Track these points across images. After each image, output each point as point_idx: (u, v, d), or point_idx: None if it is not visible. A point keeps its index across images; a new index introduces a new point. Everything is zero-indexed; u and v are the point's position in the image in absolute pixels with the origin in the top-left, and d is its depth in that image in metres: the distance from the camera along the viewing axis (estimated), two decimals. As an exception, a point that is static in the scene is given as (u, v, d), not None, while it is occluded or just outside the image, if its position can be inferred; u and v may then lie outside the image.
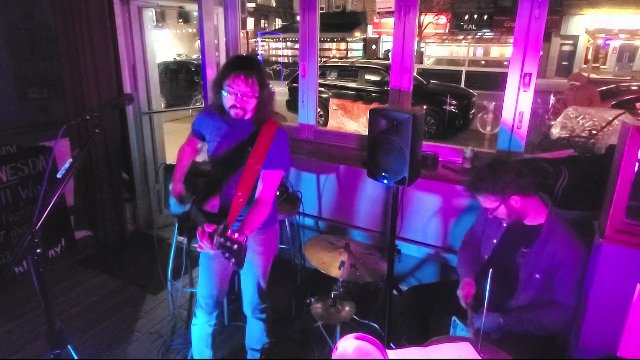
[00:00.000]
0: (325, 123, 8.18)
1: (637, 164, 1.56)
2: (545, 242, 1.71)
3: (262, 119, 1.74)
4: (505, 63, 12.53)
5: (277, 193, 2.71)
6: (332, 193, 3.11)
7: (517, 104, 2.39)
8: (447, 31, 20.35)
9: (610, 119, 2.23)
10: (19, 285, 2.97)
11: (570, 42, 18.41)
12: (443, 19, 20.25)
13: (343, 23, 23.12)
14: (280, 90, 12.45)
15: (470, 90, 9.54)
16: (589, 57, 17.56)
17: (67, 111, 3.41)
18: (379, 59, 17.43)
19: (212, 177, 1.83)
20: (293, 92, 9.83)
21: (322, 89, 8.85)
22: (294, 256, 2.88)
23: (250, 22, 22.41)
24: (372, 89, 9.08)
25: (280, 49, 23.44)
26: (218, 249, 1.45)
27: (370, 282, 2.32)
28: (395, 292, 2.33)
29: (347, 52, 23.55)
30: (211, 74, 3.31)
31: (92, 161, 3.41)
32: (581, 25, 17.61)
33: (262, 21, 27.70)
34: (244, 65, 1.65)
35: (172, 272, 2.70)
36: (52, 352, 1.33)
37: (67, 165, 1.40)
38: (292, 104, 9.90)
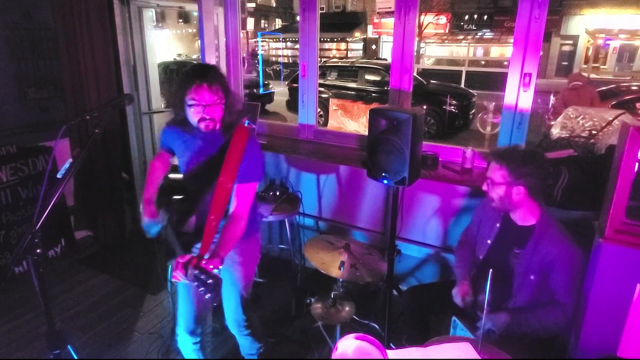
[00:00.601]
0: (325, 123, 8.17)
1: (637, 164, 1.57)
2: (538, 243, 1.72)
3: (232, 126, 1.64)
4: (505, 63, 12.52)
5: (277, 193, 2.73)
6: (332, 193, 3.11)
7: (517, 104, 2.39)
8: (447, 31, 20.34)
9: (610, 119, 2.22)
10: (19, 285, 2.97)
11: (570, 42, 18.41)
12: (443, 19, 20.24)
13: (343, 23, 23.11)
14: (280, 90, 12.48)
15: (470, 90, 9.54)
16: (589, 57, 17.56)
17: (67, 111, 3.41)
18: (379, 59, 17.42)
19: (187, 195, 1.73)
20: (293, 92, 9.83)
21: (322, 89, 8.84)
22: (294, 256, 2.88)
23: (250, 22, 22.40)
24: (372, 89, 9.08)
25: (280, 49, 23.42)
26: (192, 282, 1.36)
27: (370, 282, 2.32)
28: (395, 292, 2.33)
29: (347, 52, 23.54)
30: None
31: (92, 161, 3.41)
32: (581, 25, 17.60)
33: (262, 21, 27.70)
34: (205, 74, 1.55)
35: (172, 272, 2.69)
36: (52, 352, 1.32)
37: (67, 165, 1.40)
38: (292, 104, 9.90)
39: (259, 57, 15.80)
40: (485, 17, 19.89)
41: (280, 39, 23.10)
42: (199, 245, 1.66)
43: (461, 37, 19.49)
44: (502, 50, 18.95)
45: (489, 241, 1.91)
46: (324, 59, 16.36)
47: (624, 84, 9.02)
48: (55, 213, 2.04)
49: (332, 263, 2.02)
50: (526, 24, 2.26)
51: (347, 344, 1.34)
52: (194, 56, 17.31)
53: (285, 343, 2.51)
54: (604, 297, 1.69)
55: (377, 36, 23.04)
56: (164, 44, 20.40)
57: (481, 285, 1.76)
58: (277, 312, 2.77)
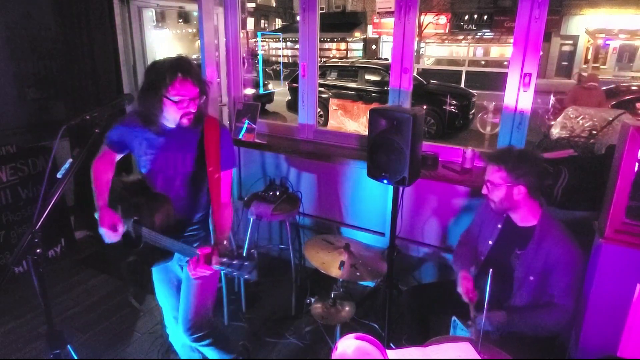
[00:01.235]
0: (325, 123, 8.17)
1: (637, 164, 1.57)
2: (539, 244, 1.72)
3: (201, 117, 1.62)
4: (505, 63, 12.52)
5: (277, 193, 2.73)
6: (332, 193, 3.11)
7: (517, 104, 2.39)
8: (447, 31, 20.34)
9: (610, 119, 2.23)
10: (19, 285, 2.96)
11: (570, 42, 18.40)
12: (443, 19, 20.24)
13: (343, 23, 23.10)
14: (280, 90, 12.47)
15: (470, 90, 9.54)
16: (589, 57, 17.56)
17: (67, 111, 3.41)
18: (380, 59, 17.43)
19: (154, 194, 1.66)
20: (293, 92, 9.82)
21: (322, 89, 8.84)
22: (294, 256, 2.88)
23: (250, 22, 22.38)
24: (372, 89, 9.08)
25: (280, 49, 23.41)
26: (225, 270, 1.34)
27: (370, 282, 2.32)
28: (395, 292, 2.33)
29: (347, 52, 23.54)
30: (211, 73, 3.31)
31: (92, 161, 3.40)
32: (581, 25, 17.60)
33: (262, 21, 27.70)
34: (184, 67, 1.50)
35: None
36: (52, 352, 1.32)
37: (67, 165, 1.40)
38: (293, 104, 9.90)
39: (259, 57, 15.80)
40: (485, 17, 19.89)
41: (280, 39, 23.10)
42: (186, 234, 1.67)
43: (461, 37, 19.49)
44: (502, 50, 18.95)
45: (490, 242, 1.91)
46: (324, 59, 16.35)
47: (624, 84, 9.02)
48: (55, 213, 2.03)
49: (332, 263, 2.02)
50: (526, 24, 2.26)
51: (347, 344, 1.34)
52: (194, 56, 17.27)
53: (285, 343, 2.51)
54: (604, 297, 1.69)
55: (377, 36, 23.04)
56: (164, 44, 20.39)
57: (482, 285, 1.76)
58: (277, 312, 2.77)
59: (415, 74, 7.82)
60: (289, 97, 10.26)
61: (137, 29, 3.50)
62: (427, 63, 18.80)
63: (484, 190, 1.81)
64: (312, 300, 2.16)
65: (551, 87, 10.89)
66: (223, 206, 1.62)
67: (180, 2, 3.97)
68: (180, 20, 23.52)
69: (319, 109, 3.42)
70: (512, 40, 2.39)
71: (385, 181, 2.05)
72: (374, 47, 23.46)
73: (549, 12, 2.23)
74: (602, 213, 1.74)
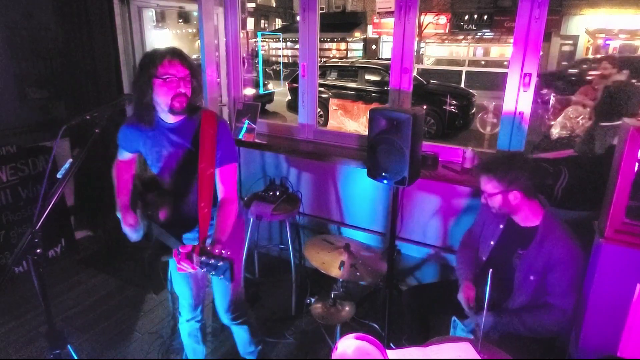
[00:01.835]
0: (325, 123, 8.18)
1: (637, 164, 1.57)
2: (541, 244, 1.71)
3: (197, 108, 1.63)
4: (505, 63, 12.52)
5: (277, 193, 2.73)
6: (332, 193, 3.11)
7: (517, 104, 2.39)
8: (447, 31, 20.33)
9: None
10: (19, 285, 2.97)
11: (570, 42, 18.39)
12: (443, 19, 20.23)
13: (343, 23, 23.09)
14: (280, 90, 12.47)
15: (470, 90, 9.54)
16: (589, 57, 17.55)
17: (67, 111, 3.41)
18: (381, 59, 17.43)
19: (162, 190, 1.71)
20: (293, 92, 9.82)
21: (322, 89, 8.84)
22: (294, 256, 2.88)
23: (250, 22, 22.36)
24: (372, 89, 9.07)
25: (280, 49, 23.41)
26: (201, 269, 1.36)
27: (370, 282, 2.32)
28: (395, 292, 2.33)
29: (347, 52, 23.54)
30: (211, 73, 3.31)
31: (92, 161, 3.41)
32: (581, 25, 17.59)
33: (262, 21, 27.69)
34: (173, 50, 1.56)
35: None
36: (52, 352, 1.32)
37: (67, 165, 1.40)
38: (293, 104, 9.90)
39: (259, 57, 15.79)
40: (485, 17, 19.88)
41: (280, 39, 23.09)
42: (188, 235, 1.70)
43: (461, 37, 19.48)
44: (502, 50, 18.94)
45: (492, 242, 1.91)
46: (324, 59, 16.35)
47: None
48: (55, 213, 2.04)
49: (332, 263, 2.02)
50: (526, 24, 2.26)
51: (347, 344, 1.34)
52: (194, 56, 17.22)
53: (285, 343, 2.51)
54: (604, 297, 1.69)
55: (377, 36, 23.04)
56: (164, 44, 20.35)
57: (483, 287, 1.76)
58: (277, 312, 2.77)
59: (415, 74, 7.81)
60: (289, 97, 10.26)
61: (137, 29, 3.50)
62: (427, 63, 18.79)
63: (483, 200, 1.82)
64: (312, 300, 2.16)
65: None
66: (227, 202, 1.62)
67: (180, 2, 3.97)
68: (180, 20, 23.51)
69: (319, 109, 3.42)
70: (512, 40, 2.39)
71: (385, 181, 2.05)
72: (374, 47, 23.46)
73: (549, 12, 2.23)
74: (602, 213, 1.74)
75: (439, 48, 20.45)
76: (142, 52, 3.57)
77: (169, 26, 22.90)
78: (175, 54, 1.53)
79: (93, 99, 3.29)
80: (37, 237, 1.19)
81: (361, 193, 2.99)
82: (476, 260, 1.98)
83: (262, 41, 22.99)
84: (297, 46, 4.17)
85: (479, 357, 1.37)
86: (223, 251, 1.39)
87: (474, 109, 9.03)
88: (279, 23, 28.40)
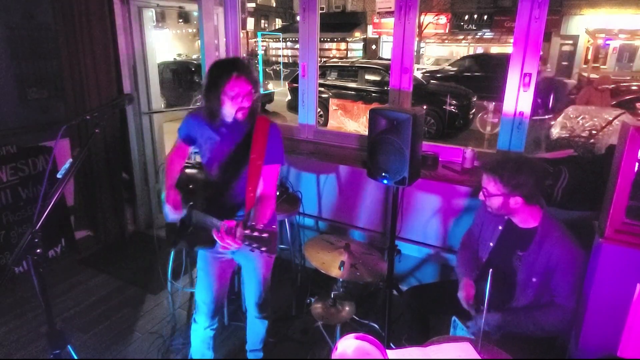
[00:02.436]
0: (325, 123, 8.18)
1: (637, 164, 1.56)
2: (540, 245, 1.71)
3: (254, 112, 1.77)
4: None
5: (278, 193, 2.73)
6: (332, 193, 3.11)
7: (517, 104, 2.39)
8: (447, 31, 20.34)
9: (610, 119, 2.23)
10: (19, 285, 2.97)
11: (570, 42, 18.39)
12: (443, 19, 20.23)
13: (343, 23, 23.10)
14: (280, 90, 12.47)
15: (470, 90, 9.53)
16: (589, 57, 17.54)
17: (67, 111, 3.41)
18: (382, 58, 17.45)
19: (209, 183, 1.83)
20: (293, 92, 9.82)
21: (322, 89, 8.84)
22: (294, 256, 2.88)
23: (250, 22, 22.39)
24: (372, 89, 9.07)
25: (280, 49, 23.41)
26: (245, 242, 1.44)
27: (370, 282, 2.32)
28: (395, 292, 2.33)
29: (347, 52, 23.54)
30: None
31: (92, 161, 3.41)
32: (581, 25, 17.59)
33: (262, 21, 27.70)
34: (239, 66, 1.69)
35: (171, 272, 2.70)
36: (52, 352, 1.33)
37: (67, 165, 1.40)
38: (293, 104, 9.90)
39: (259, 57, 15.79)
40: (485, 17, 19.88)
41: (280, 39, 23.10)
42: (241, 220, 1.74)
43: (461, 37, 19.49)
44: (502, 50, 18.94)
45: (491, 243, 1.91)
46: (324, 59, 16.35)
47: (624, 84, 9.01)
48: (55, 213, 2.05)
49: (332, 263, 2.02)
50: (526, 24, 2.26)
51: (347, 344, 1.34)
52: (194, 56, 17.27)
53: (285, 343, 2.51)
54: (604, 297, 1.69)
55: (377, 36, 23.04)
56: (164, 44, 20.39)
57: (483, 287, 1.77)
58: (277, 312, 2.77)
59: (415, 74, 7.81)
60: (289, 97, 10.26)
61: (137, 29, 3.50)
62: (426, 63, 18.80)
63: (481, 196, 1.80)
64: (312, 300, 2.16)
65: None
66: (266, 197, 1.76)
67: (180, 2, 3.97)
68: (180, 20, 23.52)
69: (319, 109, 3.42)
70: (512, 40, 2.39)
71: (385, 181, 2.05)
72: (374, 47, 23.46)
73: (549, 12, 2.23)
74: (602, 213, 1.74)
75: (439, 48, 20.46)
76: (142, 52, 3.59)
77: (169, 26, 22.91)
78: (241, 71, 1.67)
79: (93, 99, 3.29)
80: (37, 237, 1.19)
81: (361, 193, 2.99)
82: (476, 261, 1.98)
83: (262, 41, 23.03)
84: (297, 46, 4.17)
85: (479, 357, 1.37)
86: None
87: (474, 109, 9.03)
88: (279, 23, 28.41)
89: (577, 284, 1.70)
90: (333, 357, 1.30)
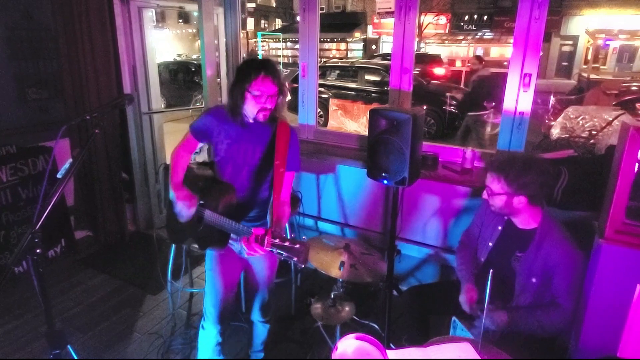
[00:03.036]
0: (325, 123, 8.17)
1: (637, 164, 1.57)
2: (539, 246, 1.71)
3: (276, 120, 1.77)
4: (505, 63, 12.51)
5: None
6: (332, 193, 3.11)
7: (517, 104, 2.39)
8: (447, 31, 20.36)
9: (610, 119, 2.23)
10: (19, 285, 2.97)
11: (570, 42, 18.42)
12: (443, 19, 20.26)
13: (343, 23, 23.12)
14: (280, 91, 12.45)
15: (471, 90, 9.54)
16: (589, 57, 17.56)
17: (67, 111, 3.41)
18: (384, 57, 17.44)
19: (220, 183, 1.79)
20: (294, 92, 9.81)
21: (322, 89, 8.84)
22: (294, 256, 2.88)
23: (250, 22, 22.42)
24: (372, 89, 9.07)
25: (280, 49, 23.41)
26: (274, 251, 1.45)
27: (370, 282, 2.32)
28: (395, 292, 2.33)
29: (347, 53, 23.55)
30: (211, 74, 3.31)
31: (92, 161, 3.41)
32: (581, 25, 17.61)
33: (262, 21, 27.72)
34: (268, 67, 1.68)
35: (171, 273, 2.70)
36: (52, 352, 1.32)
37: (67, 165, 1.40)
38: (293, 104, 9.89)
39: (259, 57, 15.80)
40: (485, 17, 19.91)
41: (280, 39, 23.10)
42: (244, 223, 1.76)
43: (461, 37, 19.51)
44: (502, 51, 18.96)
45: (490, 244, 1.90)
46: (324, 59, 16.35)
47: (624, 85, 9.02)
48: (55, 213, 2.05)
49: (332, 263, 2.02)
50: (526, 24, 2.26)
51: (347, 344, 1.33)
52: (194, 56, 17.28)
53: (285, 343, 2.51)
54: (604, 297, 1.69)
55: (377, 36, 23.06)
56: (164, 44, 20.40)
57: (483, 287, 1.76)
58: (277, 312, 2.76)
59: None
60: (289, 97, 10.25)
61: (137, 29, 3.50)
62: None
63: (484, 195, 1.80)
64: (312, 300, 2.16)
65: (551, 88, 10.89)
66: (282, 203, 1.75)
67: (180, 2, 3.97)
68: (180, 20, 23.54)
69: (319, 109, 3.42)
70: (512, 41, 2.39)
71: (385, 181, 2.05)
72: (374, 47, 23.47)
73: (549, 13, 2.23)
74: (602, 213, 1.74)
75: (439, 48, 20.47)
76: (142, 52, 3.59)
77: (169, 26, 22.93)
78: (269, 72, 1.66)
79: (93, 99, 3.29)
80: (37, 237, 1.18)
81: (361, 193, 2.99)
82: (475, 261, 1.98)
83: (262, 41, 23.03)
84: (297, 46, 4.17)
85: (479, 357, 1.37)
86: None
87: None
88: (279, 23, 28.43)
89: (576, 285, 1.70)
90: (333, 358, 1.30)
